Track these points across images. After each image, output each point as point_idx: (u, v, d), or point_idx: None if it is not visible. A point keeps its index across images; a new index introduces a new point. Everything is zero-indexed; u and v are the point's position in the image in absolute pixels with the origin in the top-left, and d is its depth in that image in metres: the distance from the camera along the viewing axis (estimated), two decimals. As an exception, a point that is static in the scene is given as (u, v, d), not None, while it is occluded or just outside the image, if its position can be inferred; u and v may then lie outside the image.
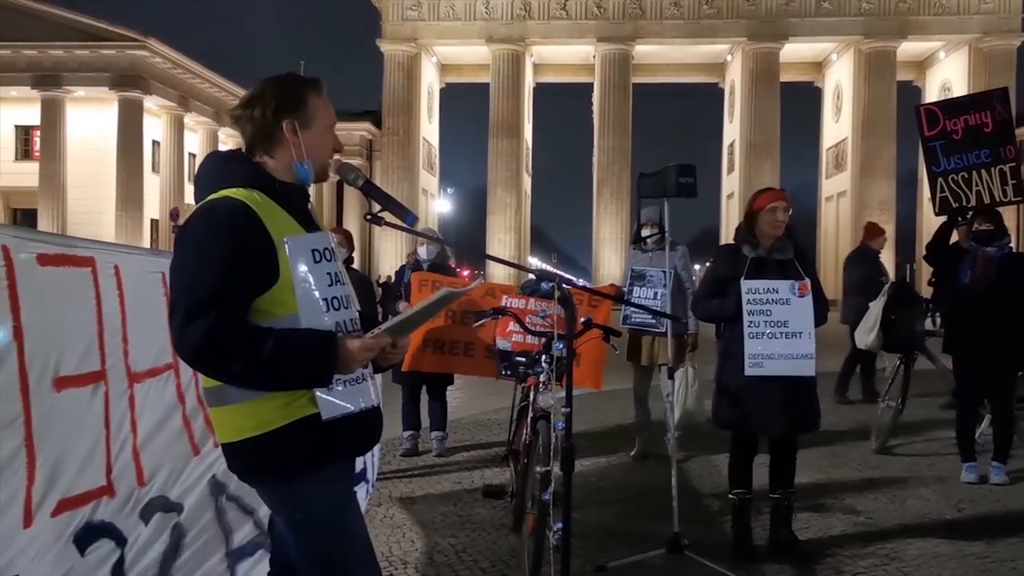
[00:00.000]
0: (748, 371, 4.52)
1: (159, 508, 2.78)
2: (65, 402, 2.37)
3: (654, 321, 6.73)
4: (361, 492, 4.06)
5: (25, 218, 41.11)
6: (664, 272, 6.63)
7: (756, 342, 4.52)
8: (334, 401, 2.31)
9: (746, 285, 4.57)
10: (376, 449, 5.14)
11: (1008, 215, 7.03)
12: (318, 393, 2.28)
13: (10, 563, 2.12)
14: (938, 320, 12.83)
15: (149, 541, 2.75)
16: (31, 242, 2.35)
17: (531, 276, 5.86)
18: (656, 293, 6.74)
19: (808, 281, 4.61)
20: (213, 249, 2.20)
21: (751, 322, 4.53)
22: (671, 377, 5.28)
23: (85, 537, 2.44)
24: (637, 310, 6.81)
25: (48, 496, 2.28)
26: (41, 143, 41.56)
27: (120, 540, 2.59)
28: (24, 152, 43.76)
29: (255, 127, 2.39)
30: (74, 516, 2.40)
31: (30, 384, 2.22)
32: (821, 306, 4.65)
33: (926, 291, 8.84)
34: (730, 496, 4.88)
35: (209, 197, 2.31)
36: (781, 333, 4.52)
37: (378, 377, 2.60)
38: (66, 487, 2.36)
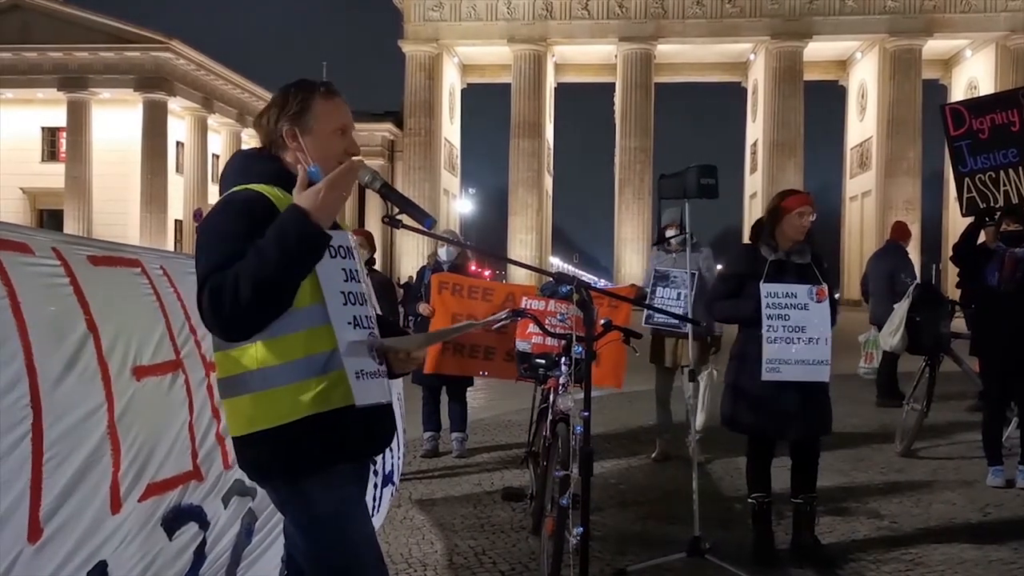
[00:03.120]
0: (765, 376, 4.46)
1: (236, 491, 2.85)
2: (146, 390, 2.46)
3: (676, 322, 6.67)
4: (387, 494, 4.07)
5: (51, 219, 41.59)
6: (689, 273, 6.58)
7: (774, 346, 4.46)
8: (368, 390, 2.31)
9: (765, 288, 4.51)
10: (401, 451, 5.15)
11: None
12: (352, 380, 2.27)
13: (97, 549, 2.17)
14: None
15: (227, 524, 2.81)
16: (76, 246, 2.44)
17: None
18: (680, 294, 6.69)
19: (826, 286, 4.57)
20: (226, 234, 2.24)
21: (770, 326, 4.47)
22: (692, 380, 5.23)
23: (174, 521, 2.51)
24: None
25: (135, 481, 2.34)
26: (67, 144, 42.02)
27: (204, 523, 2.66)
28: (50, 153, 44.25)
29: (264, 134, 2.48)
30: (162, 500, 2.46)
31: (111, 374, 2.31)
32: (831, 311, 4.61)
33: (953, 293, 8.72)
34: (749, 500, 4.83)
35: (230, 190, 2.37)
36: (799, 338, 4.47)
37: (397, 382, 2.59)
38: (153, 472, 2.42)
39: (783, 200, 4.66)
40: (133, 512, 2.32)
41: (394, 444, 3.44)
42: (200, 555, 2.63)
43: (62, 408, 2.10)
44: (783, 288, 4.51)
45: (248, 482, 2.88)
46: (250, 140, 47.79)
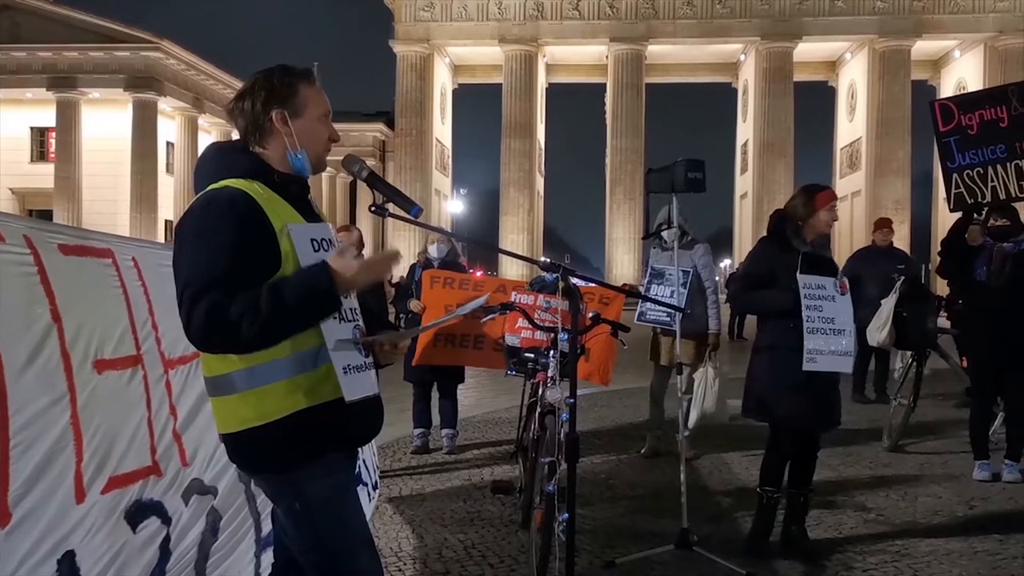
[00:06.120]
0: (806, 366, 4.46)
1: (196, 490, 2.87)
2: (107, 384, 2.47)
3: (668, 319, 6.66)
4: (362, 495, 4.07)
5: (41, 219, 41.34)
6: (682, 271, 6.57)
7: (812, 337, 4.49)
8: (356, 385, 2.32)
9: (803, 280, 4.53)
10: (373, 452, 5.16)
11: (1024, 210, 6.99)
12: (340, 376, 2.27)
13: (64, 538, 2.18)
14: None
15: (190, 522, 2.83)
16: (49, 233, 2.43)
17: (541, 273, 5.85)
18: (672, 292, 6.69)
19: (847, 279, 4.63)
20: (214, 238, 2.19)
21: (808, 317, 4.49)
22: (680, 372, 5.24)
23: (136, 514, 2.53)
24: (652, 307, 6.75)
25: (98, 473, 2.35)
26: (56, 145, 41.89)
27: (166, 519, 2.68)
28: (40, 154, 44.09)
29: (246, 120, 2.40)
30: (124, 494, 2.47)
31: (73, 365, 2.31)
32: None
33: (943, 290, 8.75)
34: (759, 491, 4.79)
35: (209, 187, 2.32)
36: (829, 329, 4.52)
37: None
38: (115, 465, 2.44)
39: (815, 195, 4.67)
40: (97, 503, 2.33)
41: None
42: (165, 550, 2.64)
43: (27, 396, 2.10)
44: (816, 280, 4.56)
45: (208, 481, 2.89)
46: (241, 140, 47.66)
